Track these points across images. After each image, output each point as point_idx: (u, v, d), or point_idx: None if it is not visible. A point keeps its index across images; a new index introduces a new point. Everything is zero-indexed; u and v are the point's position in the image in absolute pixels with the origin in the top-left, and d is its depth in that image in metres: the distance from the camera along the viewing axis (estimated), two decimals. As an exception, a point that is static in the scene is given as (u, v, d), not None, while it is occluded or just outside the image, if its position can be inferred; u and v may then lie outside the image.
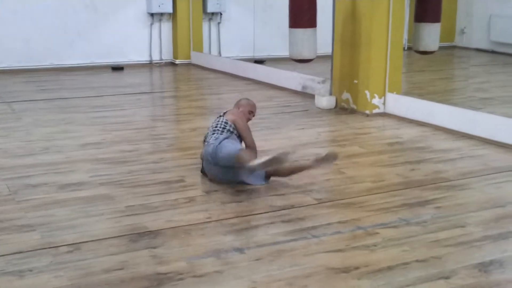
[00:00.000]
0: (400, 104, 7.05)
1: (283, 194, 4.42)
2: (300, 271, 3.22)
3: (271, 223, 3.90)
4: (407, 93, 7.62)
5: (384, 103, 7.17)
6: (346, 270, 3.24)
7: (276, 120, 6.93)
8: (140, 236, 3.67)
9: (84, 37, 11.03)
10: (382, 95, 7.16)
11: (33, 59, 10.71)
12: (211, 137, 4.75)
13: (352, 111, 7.32)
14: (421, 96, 7.55)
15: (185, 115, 7.59)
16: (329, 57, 7.72)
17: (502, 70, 11.21)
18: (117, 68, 11.02)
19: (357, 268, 3.26)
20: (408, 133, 6.36)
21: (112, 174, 4.91)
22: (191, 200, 4.30)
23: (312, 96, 7.93)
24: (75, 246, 3.52)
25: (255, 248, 3.50)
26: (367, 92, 7.15)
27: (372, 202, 4.27)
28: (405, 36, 10.77)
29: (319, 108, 7.55)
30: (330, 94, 7.67)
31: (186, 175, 4.86)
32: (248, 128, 4.94)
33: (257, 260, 3.36)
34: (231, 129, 4.82)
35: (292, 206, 4.18)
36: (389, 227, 3.81)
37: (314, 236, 3.67)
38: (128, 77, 10.41)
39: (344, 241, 3.61)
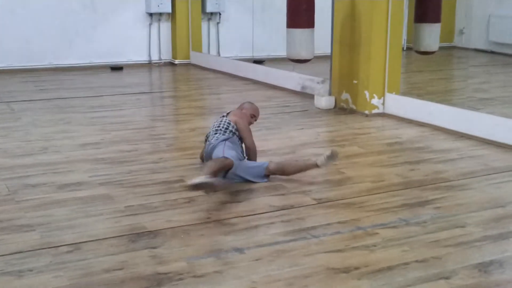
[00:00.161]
0: (400, 104, 7.05)
1: (282, 194, 4.42)
2: (300, 271, 3.22)
3: (271, 223, 3.90)
4: (406, 93, 7.62)
5: (383, 103, 7.17)
6: (346, 270, 3.24)
7: (276, 120, 6.93)
8: (140, 236, 3.66)
9: (83, 37, 11.02)
10: (382, 95, 7.16)
11: (32, 59, 10.71)
12: (213, 137, 4.77)
13: (352, 111, 7.32)
14: (420, 96, 7.55)
15: (185, 115, 7.58)
16: (328, 57, 7.72)
17: (501, 71, 11.22)
18: (116, 68, 11.01)
19: (357, 268, 3.25)
20: (408, 133, 6.36)
21: (111, 174, 4.90)
22: (190, 200, 4.29)
23: (311, 96, 7.92)
24: (74, 246, 3.52)
25: (254, 248, 3.50)
26: (366, 92, 7.15)
27: (372, 202, 4.27)
28: (404, 37, 10.79)
29: (318, 108, 7.55)
30: (329, 94, 7.67)
31: (185, 175, 4.85)
32: (249, 130, 4.98)
33: (256, 260, 3.35)
34: (234, 130, 4.85)
35: (292, 206, 4.18)
36: (389, 227, 3.81)
37: (314, 236, 3.67)
38: (127, 77, 10.41)
39: (344, 241, 3.61)
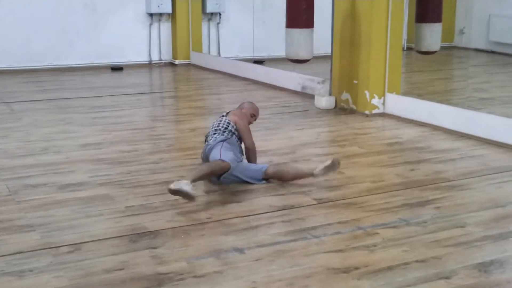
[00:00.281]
0: (400, 104, 7.06)
1: (283, 195, 4.42)
2: (300, 271, 3.22)
3: (271, 223, 3.90)
4: (407, 93, 7.62)
5: (383, 103, 7.18)
6: (346, 270, 3.24)
7: (276, 120, 6.93)
8: (140, 237, 3.67)
9: (83, 37, 11.02)
10: (382, 95, 7.16)
11: (32, 59, 10.71)
12: (212, 137, 4.76)
13: (352, 111, 7.33)
14: (420, 96, 7.56)
15: (185, 116, 7.58)
16: (329, 57, 7.72)
17: (501, 70, 11.22)
18: (117, 69, 11.01)
19: (357, 268, 3.26)
20: (408, 133, 6.36)
21: (111, 174, 4.91)
22: (191, 200, 4.29)
23: (311, 97, 7.93)
24: (75, 246, 3.52)
25: (255, 248, 3.50)
26: (366, 92, 7.16)
27: (372, 202, 4.27)
28: (404, 36, 10.79)
29: (319, 108, 7.55)
30: (330, 94, 7.67)
31: (186, 175, 4.81)
32: (249, 130, 4.96)
33: (257, 260, 3.36)
34: (233, 130, 4.83)
35: (292, 207, 4.18)
36: (389, 227, 3.81)
37: (314, 236, 3.67)
38: (127, 77, 10.41)
39: (344, 241, 3.61)
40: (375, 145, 5.97)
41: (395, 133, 6.43)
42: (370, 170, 5.13)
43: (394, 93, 7.15)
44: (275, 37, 11.21)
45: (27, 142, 5.92)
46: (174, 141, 6.23)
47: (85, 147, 5.73)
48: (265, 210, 4.12)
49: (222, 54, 11.92)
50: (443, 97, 8.23)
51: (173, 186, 4.01)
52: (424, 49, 7.47)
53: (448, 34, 13.03)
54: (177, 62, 11.63)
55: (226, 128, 4.80)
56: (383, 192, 4.50)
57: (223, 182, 4.57)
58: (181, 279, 3.14)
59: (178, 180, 4.08)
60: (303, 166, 4.86)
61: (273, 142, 5.91)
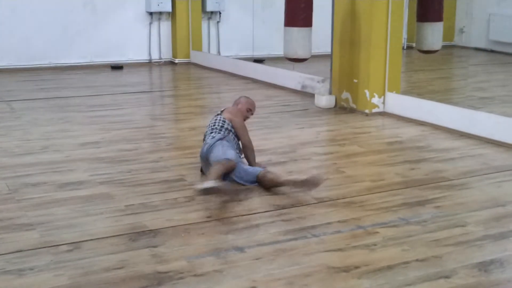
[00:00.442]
0: (400, 103, 7.05)
1: (283, 194, 4.42)
2: (300, 270, 3.22)
3: (271, 222, 3.90)
4: (407, 92, 7.62)
5: (383, 102, 7.17)
6: (346, 269, 3.24)
7: (276, 119, 6.93)
8: (140, 235, 3.66)
9: (83, 36, 11.02)
10: (382, 94, 7.16)
11: (32, 58, 10.70)
12: (209, 136, 4.74)
13: (352, 110, 7.32)
14: (420, 95, 7.56)
15: (185, 114, 7.58)
16: (329, 56, 7.72)
17: (501, 69, 11.22)
18: (117, 67, 11.01)
19: (357, 267, 3.25)
20: (408, 132, 6.35)
21: (111, 173, 4.90)
22: (191, 199, 4.29)
23: (311, 95, 7.92)
24: (75, 245, 3.52)
25: (255, 247, 3.50)
26: (366, 91, 7.15)
27: (372, 202, 4.27)
28: (404, 35, 10.79)
29: (319, 107, 7.54)
30: (330, 93, 7.67)
31: (185, 174, 4.85)
32: (245, 127, 4.91)
33: (257, 259, 3.35)
34: (229, 128, 4.80)
35: (292, 205, 4.18)
36: (389, 227, 3.81)
37: (314, 235, 3.67)
38: (127, 76, 10.40)
39: (344, 240, 3.61)
40: (375, 144, 5.97)
41: (395, 132, 6.42)
42: (370, 169, 5.13)
43: (394, 92, 7.15)
44: (275, 36, 11.23)
45: (26, 140, 5.92)
46: (174, 140, 6.23)
47: (84, 145, 5.72)
48: (265, 209, 4.11)
49: (222, 53, 11.92)
50: (443, 96, 8.22)
51: (203, 185, 4.02)
52: (425, 48, 7.47)
53: (448, 33, 13.03)
54: (177, 60, 11.63)
55: (222, 127, 4.78)
56: (383, 191, 4.49)
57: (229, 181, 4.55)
58: (181, 278, 3.13)
59: (201, 182, 4.08)
60: (292, 177, 4.56)
61: (273, 141, 5.90)
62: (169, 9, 11.39)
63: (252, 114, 5.14)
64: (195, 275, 3.16)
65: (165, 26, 11.72)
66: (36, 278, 3.14)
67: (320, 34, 8.10)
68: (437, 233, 3.71)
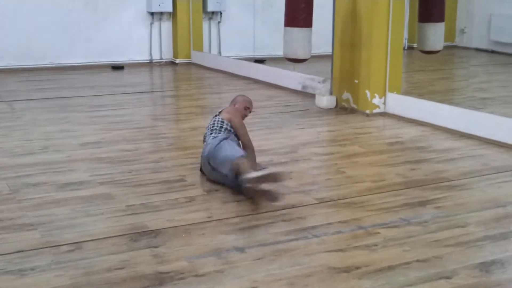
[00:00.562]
0: (401, 104, 7.05)
1: (283, 194, 4.41)
2: (301, 270, 3.22)
3: (272, 222, 3.89)
4: (408, 92, 7.62)
5: (384, 103, 7.17)
6: (347, 269, 3.24)
7: (276, 119, 6.93)
8: (141, 236, 3.66)
9: (84, 36, 11.02)
10: (383, 94, 7.16)
11: (32, 58, 10.70)
12: (209, 136, 4.72)
13: (353, 111, 7.32)
14: (421, 96, 7.55)
15: (185, 115, 7.58)
16: (329, 57, 7.72)
17: (502, 70, 11.22)
18: (117, 67, 11.01)
19: (358, 267, 3.25)
20: (409, 132, 6.35)
21: (112, 173, 4.90)
22: (191, 199, 4.29)
23: (312, 96, 7.92)
24: (75, 245, 3.52)
25: (256, 248, 3.50)
26: (367, 91, 7.15)
27: (373, 202, 4.27)
28: (405, 36, 10.78)
29: (319, 107, 7.54)
30: (330, 93, 7.67)
31: (186, 174, 4.85)
32: (244, 126, 4.89)
33: (258, 259, 3.35)
34: (229, 128, 4.78)
35: (293, 206, 4.17)
36: (390, 227, 3.81)
37: (315, 236, 3.67)
38: (128, 76, 10.41)
39: (344, 240, 3.61)
40: (376, 144, 5.97)
41: (395, 132, 6.42)
42: (371, 169, 5.13)
43: (395, 92, 7.14)
44: (276, 36, 11.20)
45: (27, 140, 5.92)
46: (174, 140, 6.23)
47: (85, 146, 5.73)
48: (265, 209, 4.11)
49: (223, 53, 11.92)
50: (444, 96, 8.22)
51: (255, 174, 4.05)
52: (427, 49, 7.47)
53: (449, 33, 13.00)
54: (178, 61, 11.63)
55: (221, 127, 4.75)
56: (384, 192, 4.49)
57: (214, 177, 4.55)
58: (182, 278, 3.13)
59: (247, 173, 4.10)
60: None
61: (274, 141, 5.90)
62: (170, 9, 11.40)
63: (250, 112, 5.13)
64: (196, 275, 3.16)
65: (166, 26, 11.73)
66: (37, 278, 3.14)
67: (321, 34, 8.10)
68: (437, 234, 3.71)
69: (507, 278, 3.19)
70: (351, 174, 4.93)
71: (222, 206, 4.18)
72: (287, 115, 7.22)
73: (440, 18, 7.32)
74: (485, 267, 3.27)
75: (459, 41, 13.67)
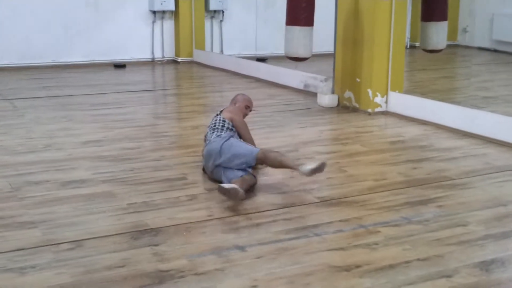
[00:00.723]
0: (403, 102, 7.04)
1: (284, 192, 4.42)
2: (302, 269, 3.22)
3: (273, 221, 3.90)
4: (410, 91, 7.60)
5: (386, 102, 7.17)
6: (347, 268, 3.23)
7: (278, 118, 6.93)
8: (142, 234, 3.67)
9: (86, 34, 11.02)
10: (385, 93, 7.15)
11: (34, 56, 10.71)
12: (212, 135, 4.71)
13: (354, 110, 7.32)
14: (423, 94, 7.54)
15: (187, 113, 7.58)
16: (331, 56, 7.71)
17: (505, 69, 11.20)
18: (119, 66, 11.01)
19: (358, 266, 3.25)
20: (410, 131, 6.35)
21: (113, 171, 4.91)
22: (193, 197, 4.30)
23: (314, 95, 7.92)
24: (76, 243, 3.52)
25: (256, 246, 3.50)
26: (369, 90, 7.15)
27: (374, 201, 4.26)
28: (407, 35, 10.77)
29: (321, 106, 7.54)
30: (332, 92, 7.66)
31: (188, 172, 4.86)
32: (246, 125, 4.92)
33: (258, 258, 3.35)
34: (230, 127, 4.79)
35: (294, 204, 4.18)
36: (391, 226, 3.81)
37: (316, 234, 3.67)
38: (130, 74, 10.41)
39: (345, 239, 3.61)
40: (378, 143, 5.96)
41: (397, 131, 6.42)
42: (373, 168, 5.12)
43: (397, 91, 7.14)
44: (277, 35, 11.21)
45: (29, 139, 5.93)
46: (176, 139, 6.23)
47: (87, 144, 5.73)
48: (266, 208, 4.11)
49: (225, 52, 11.92)
50: (446, 95, 8.21)
51: (311, 166, 4.17)
52: (430, 48, 7.46)
53: (451, 32, 12.95)
54: (180, 59, 11.63)
55: (223, 126, 4.75)
56: (385, 191, 4.49)
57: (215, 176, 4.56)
58: (182, 277, 3.14)
59: (302, 165, 4.21)
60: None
61: (276, 140, 5.90)
62: (172, 8, 11.40)
63: (250, 110, 5.15)
64: (196, 274, 3.17)
65: (168, 24, 11.72)
66: (38, 276, 3.15)
67: (322, 33, 8.09)
68: (439, 233, 3.71)
69: (508, 277, 3.19)
70: (352, 172, 4.92)
71: (223, 204, 4.17)
72: (289, 113, 7.22)
73: (443, 17, 7.31)
74: (486, 266, 3.27)
75: (461, 40, 13.65)
